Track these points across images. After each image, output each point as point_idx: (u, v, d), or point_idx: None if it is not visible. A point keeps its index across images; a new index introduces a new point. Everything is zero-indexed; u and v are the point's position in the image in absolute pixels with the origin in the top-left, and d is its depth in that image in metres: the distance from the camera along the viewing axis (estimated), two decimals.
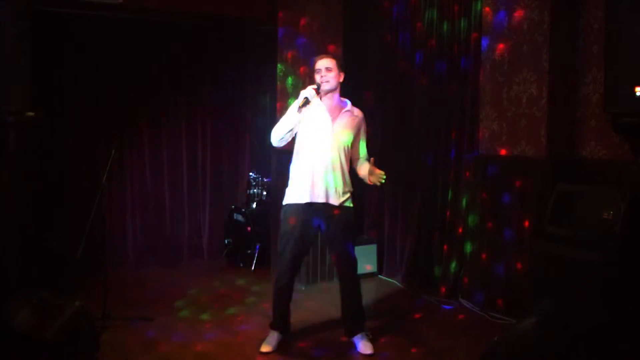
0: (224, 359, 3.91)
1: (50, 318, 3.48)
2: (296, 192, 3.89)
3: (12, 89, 3.54)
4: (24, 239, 4.84)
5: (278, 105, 5.68)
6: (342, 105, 3.95)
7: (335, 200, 3.86)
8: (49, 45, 5.45)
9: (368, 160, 3.91)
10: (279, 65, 5.69)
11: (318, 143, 3.84)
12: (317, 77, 3.88)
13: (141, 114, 6.14)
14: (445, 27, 5.22)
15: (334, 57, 3.98)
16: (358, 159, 4.04)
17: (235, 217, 6.33)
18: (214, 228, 6.60)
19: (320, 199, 3.83)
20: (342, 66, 3.93)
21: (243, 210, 6.25)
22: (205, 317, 4.65)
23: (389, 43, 5.76)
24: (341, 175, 3.88)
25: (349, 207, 3.93)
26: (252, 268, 6.02)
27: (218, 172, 6.65)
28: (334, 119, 3.87)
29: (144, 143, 6.18)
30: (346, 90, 4.04)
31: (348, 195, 3.92)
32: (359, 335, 4.00)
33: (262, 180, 6.40)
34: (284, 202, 3.96)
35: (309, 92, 3.79)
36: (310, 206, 3.85)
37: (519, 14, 4.35)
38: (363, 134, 4.02)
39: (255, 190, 6.41)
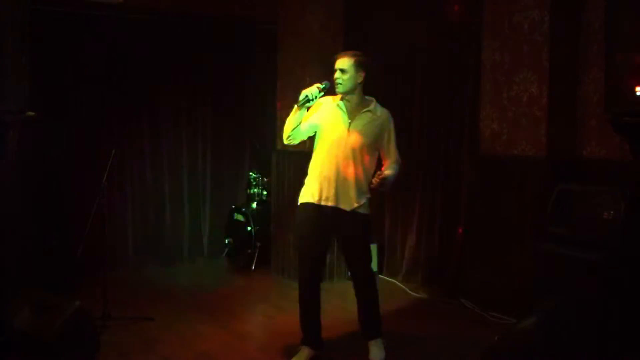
0: (224, 359, 3.91)
1: (50, 318, 3.48)
2: (308, 192, 3.71)
3: (12, 89, 3.54)
4: (24, 239, 4.84)
5: (279, 104, 5.68)
6: (365, 105, 3.69)
7: (346, 206, 3.62)
8: (49, 45, 5.45)
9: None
10: (279, 64, 5.68)
11: (331, 145, 3.63)
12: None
13: (141, 113, 6.14)
14: (445, 27, 5.21)
15: (354, 55, 3.64)
16: (386, 162, 3.77)
17: (235, 217, 6.32)
18: (214, 228, 6.61)
19: (329, 202, 3.63)
20: (364, 64, 3.63)
21: (243, 210, 6.24)
22: (205, 317, 4.65)
23: (389, 43, 5.75)
24: (354, 179, 3.61)
25: (362, 214, 3.67)
26: (253, 268, 6.02)
27: (218, 172, 6.64)
28: (352, 119, 3.64)
29: (144, 143, 6.18)
30: None
31: (363, 201, 3.66)
32: (373, 341, 3.83)
33: (262, 180, 6.40)
34: (299, 201, 3.78)
35: (311, 90, 3.59)
36: (320, 209, 3.65)
37: (519, 13, 4.35)
38: (388, 135, 3.74)
39: (255, 190, 6.41)
